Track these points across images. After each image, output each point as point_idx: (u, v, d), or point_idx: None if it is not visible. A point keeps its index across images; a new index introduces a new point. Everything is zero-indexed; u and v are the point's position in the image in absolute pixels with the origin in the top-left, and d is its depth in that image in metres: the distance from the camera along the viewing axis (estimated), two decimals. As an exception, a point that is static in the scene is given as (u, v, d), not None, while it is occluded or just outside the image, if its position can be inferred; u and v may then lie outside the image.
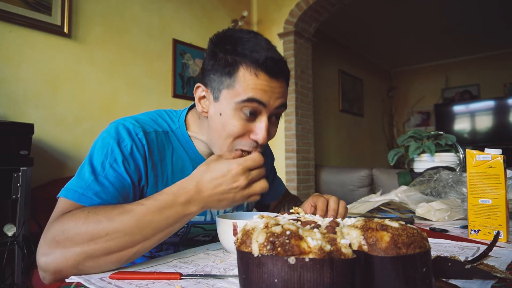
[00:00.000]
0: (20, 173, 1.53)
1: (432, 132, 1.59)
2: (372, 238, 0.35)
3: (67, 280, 0.53)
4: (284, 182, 2.06)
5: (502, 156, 0.75)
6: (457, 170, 1.43)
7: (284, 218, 0.44)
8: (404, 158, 1.66)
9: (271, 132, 0.71)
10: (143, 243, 0.57)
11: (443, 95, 6.07)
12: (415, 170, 1.57)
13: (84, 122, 2.19)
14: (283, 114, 0.75)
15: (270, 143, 0.86)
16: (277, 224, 0.35)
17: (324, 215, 0.74)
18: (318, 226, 0.39)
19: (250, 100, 0.65)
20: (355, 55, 5.37)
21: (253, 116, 0.67)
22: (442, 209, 1.01)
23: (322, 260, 0.31)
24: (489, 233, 0.75)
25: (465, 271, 0.43)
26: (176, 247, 0.82)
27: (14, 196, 1.51)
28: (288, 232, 0.33)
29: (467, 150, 0.79)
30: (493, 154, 0.75)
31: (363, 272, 0.34)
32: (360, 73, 5.46)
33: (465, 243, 0.72)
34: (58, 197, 0.63)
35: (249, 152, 0.68)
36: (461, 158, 1.47)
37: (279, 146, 3.36)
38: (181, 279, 0.51)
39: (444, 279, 0.43)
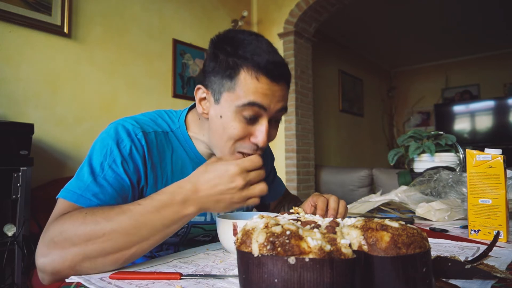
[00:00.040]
0: (20, 173, 1.53)
1: (432, 132, 1.59)
2: (372, 238, 0.35)
3: (67, 280, 0.54)
4: (284, 182, 2.06)
5: (502, 156, 0.75)
6: (457, 170, 1.43)
7: (284, 218, 0.44)
8: (404, 158, 1.66)
9: (271, 135, 0.72)
10: (140, 244, 0.57)
11: (443, 95, 6.08)
12: (415, 170, 1.57)
13: (84, 122, 2.19)
14: (283, 116, 0.75)
15: (270, 143, 0.86)
16: (277, 224, 0.35)
17: (324, 215, 0.74)
18: (318, 226, 0.39)
19: (250, 104, 0.65)
20: (355, 55, 5.37)
21: (253, 119, 0.67)
22: (442, 209, 1.01)
23: (322, 260, 0.31)
24: (489, 233, 0.75)
25: (465, 271, 0.43)
26: (176, 247, 0.82)
27: (14, 196, 1.51)
28: (288, 232, 0.33)
29: (467, 150, 0.79)
30: (493, 154, 0.75)
31: (363, 272, 0.34)
32: (360, 73, 5.46)
33: (465, 243, 0.72)
34: (57, 198, 0.64)
35: (249, 155, 0.68)
36: (461, 158, 1.47)
37: (279, 146, 3.36)
38: (181, 279, 0.51)
39: (444, 279, 0.43)
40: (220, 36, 0.71)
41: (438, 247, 0.69)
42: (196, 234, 0.82)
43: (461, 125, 5.44)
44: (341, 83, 4.88)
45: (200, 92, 0.73)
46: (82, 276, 0.55)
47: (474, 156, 0.78)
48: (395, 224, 0.36)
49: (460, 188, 1.12)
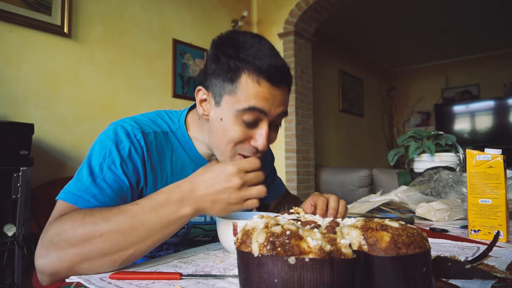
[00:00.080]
0: (20, 173, 1.53)
1: (432, 132, 1.59)
2: (372, 238, 0.35)
3: (67, 280, 0.54)
4: (284, 182, 2.06)
5: (502, 156, 0.75)
6: (457, 170, 1.43)
7: (284, 218, 0.44)
8: (404, 158, 1.66)
9: (271, 138, 0.72)
10: (138, 245, 0.56)
11: (443, 95, 6.07)
12: (415, 170, 1.57)
13: (84, 122, 2.19)
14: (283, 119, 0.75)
15: (270, 143, 0.87)
16: (277, 224, 0.35)
17: (324, 214, 0.74)
18: (318, 226, 0.39)
19: (251, 108, 0.65)
20: (355, 55, 5.37)
21: (253, 123, 0.67)
22: (442, 209, 1.01)
23: (322, 260, 0.31)
24: (489, 233, 0.75)
25: (465, 271, 0.43)
26: (176, 247, 0.82)
27: (14, 196, 1.51)
28: (288, 232, 0.33)
29: (467, 150, 0.79)
30: (493, 154, 0.75)
31: (363, 272, 0.34)
32: (360, 73, 5.46)
33: (465, 243, 0.72)
34: (57, 200, 0.64)
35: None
36: (461, 158, 1.47)
37: (279, 146, 3.36)
38: (181, 279, 0.51)
39: (444, 279, 0.43)
40: (222, 38, 0.71)
41: (438, 247, 0.69)
42: (196, 235, 0.82)
43: (461, 125, 5.44)
44: (341, 83, 4.88)
45: (201, 93, 0.73)
46: (82, 276, 0.55)
47: (474, 156, 0.78)
48: (395, 224, 0.36)
49: (460, 188, 1.12)
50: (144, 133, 0.71)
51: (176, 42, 2.78)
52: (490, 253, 0.55)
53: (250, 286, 0.34)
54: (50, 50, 2.04)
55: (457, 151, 1.50)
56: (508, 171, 0.86)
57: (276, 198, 1.07)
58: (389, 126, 6.32)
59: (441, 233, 0.84)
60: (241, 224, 0.61)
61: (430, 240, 0.70)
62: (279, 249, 0.32)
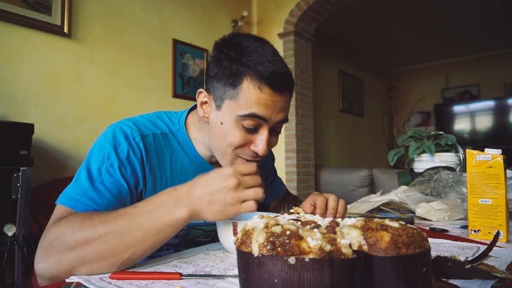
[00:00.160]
0: (20, 173, 1.53)
1: (432, 132, 1.59)
2: (372, 238, 0.35)
3: (67, 280, 0.54)
4: (284, 182, 2.05)
5: (502, 156, 0.75)
6: (457, 170, 1.43)
7: (284, 218, 0.44)
8: (404, 158, 1.66)
9: (271, 143, 0.72)
10: (134, 248, 0.56)
11: (443, 95, 6.07)
12: (415, 170, 1.57)
13: (84, 122, 2.19)
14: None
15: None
16: (277, 224, 0.35)
17: (324, 214, 0.74)
18: (318, 226, 0.39)
19: (251, 115, 0.65)
20: (355, 55, 5.37)
21: (253, 129, 0.68)
22: (442, 209, 1.01)
23: (322, 260, 0.31)
24: (489, 233, 0.75)
25: (465, 271, 0.43)
26: (176, 248, 0.82)
27: (14, 196, 1.51)
28: (288, 232, 0.33)
29: (467, 150, 0.79)
30: (493, 154, 0.75)
31: (363, 272, 0.34)
32: (360, 73, 5.46)
33: (465, 243, 0.72)
34: (56, 204, 0.64)
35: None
36: (461, 158, 1.47)
37: (279, 146, 3.36)
38: (181, 279, 0.51)
39: (444, 279, 0.43)
40: (225, 40, 0.70)
41: (438, 247, 0.69)
42: (196, 236, 0.82)
43: (461, 125, 5.44)
44: (341, 83, 4.88)
45: (202, 96, 0.73)
46: (82, 276, 0.55)
47: (474, 156, 0.78)
48: (395, 224, 0.36)
49: (460, 188, 1.12)
50: (142, 135, 0.71)
51: (176, 42, 2.78)
52: (490, 253, 0.55)
53: (250, 286, 0.34)
54: (50, 50, 2.04)
55: (457, 151, 1.50)
56: (508, 171, 0.86)
57: (276, 198, 1.07)
58: (389, 126, 6.32)
59: (441, 233, 0.84)
60: (241, 224, 0.61)
61: (430, 240, 0.70)
62: (279, 249, 0.32)
